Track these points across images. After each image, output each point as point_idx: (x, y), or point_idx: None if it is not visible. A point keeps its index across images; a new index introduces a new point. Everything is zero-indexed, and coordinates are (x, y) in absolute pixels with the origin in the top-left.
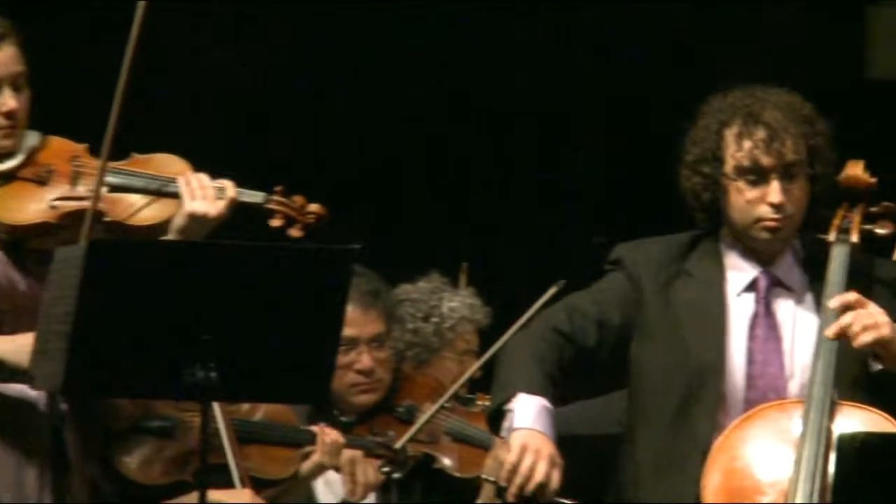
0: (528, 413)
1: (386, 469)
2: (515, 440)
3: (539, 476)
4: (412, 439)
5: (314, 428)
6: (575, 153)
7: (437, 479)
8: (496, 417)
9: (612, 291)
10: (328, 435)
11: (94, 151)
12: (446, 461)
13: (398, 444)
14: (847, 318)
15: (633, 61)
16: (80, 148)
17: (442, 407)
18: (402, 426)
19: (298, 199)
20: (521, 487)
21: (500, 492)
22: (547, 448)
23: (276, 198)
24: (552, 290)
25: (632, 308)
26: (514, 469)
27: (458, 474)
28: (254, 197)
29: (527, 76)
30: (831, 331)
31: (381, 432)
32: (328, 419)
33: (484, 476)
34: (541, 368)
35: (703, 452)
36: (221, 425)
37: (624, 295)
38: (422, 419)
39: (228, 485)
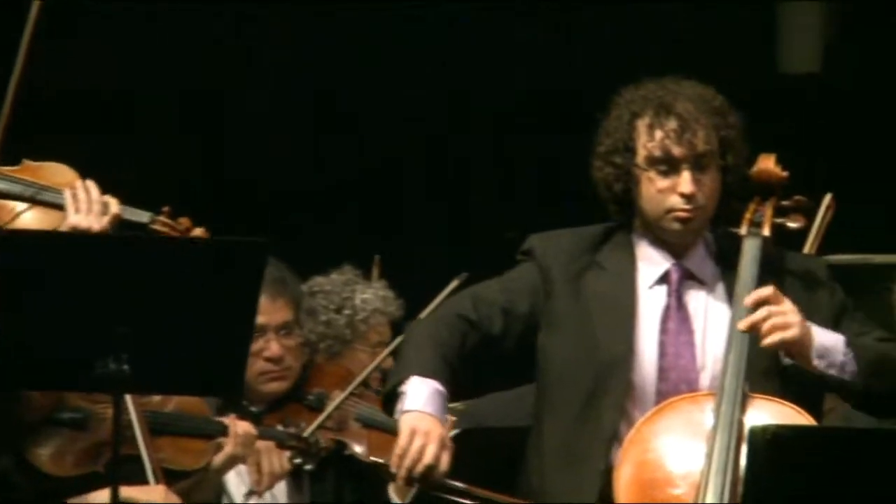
0: (419, 396)
1: (298, 460)
2: (405, 423)
3: (428, 458)
4: (321, 426)
5: (226, 420)
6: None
7: (348, 465)
8: (390, 400)
9: (521, 281)
10: (240, 426)
11: None
12: (357, 447)
13: (307, 432)
14: (761, 314)
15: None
16: None
17: (351, 394)
18: (312, 414)
19: (184, 222)
20: (410, 470)
21: (388, 472)
22: (436, 430)
23: (161, 219)
24: (454, 283)
25: (540, 298)
26: (404, 452)
27: (368, 460)
28: (139, 216)
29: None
30: (744, 324)
31: (293, 422)
32: (238, 410)
33: (372, 459)
34: (438, 352)
35: (609, 443)
36: (134, 417)
37: (533, 284)
38: (330, 406)
39: (141, 476)
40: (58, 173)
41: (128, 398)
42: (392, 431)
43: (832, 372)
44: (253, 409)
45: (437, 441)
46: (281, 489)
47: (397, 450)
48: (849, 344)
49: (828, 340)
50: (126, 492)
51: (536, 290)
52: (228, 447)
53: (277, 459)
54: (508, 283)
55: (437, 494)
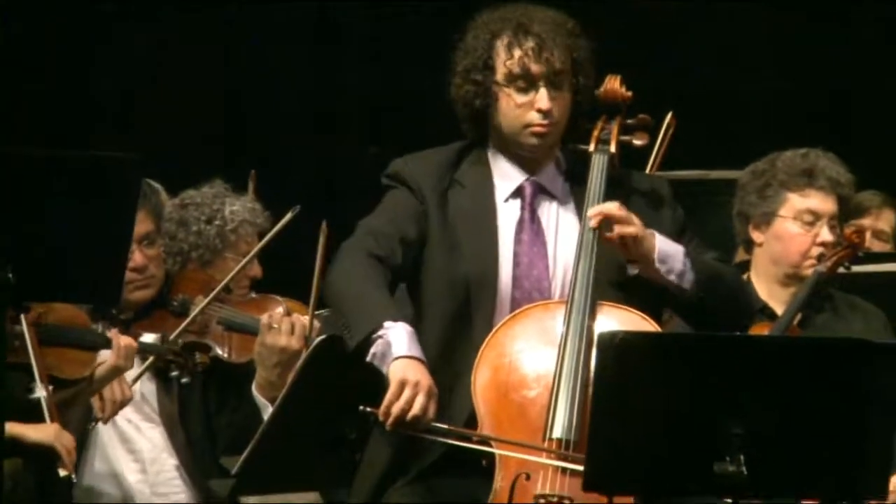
0: (401, 341)
1: (175, 373)
2: (395, 370)
3: (416, 410)
4: (186, 331)
5: (109, 333)
6: None
7: (213, 367)
8: (362, 348)
9: (402, 208)
10: (122, 339)
11: None
12: (220, 350)
13: (172, 336)
14: (609, 207)
15: None
16: None
17: (214, 299)
18: (178, 319)
19: None
20: (399, 419)
21: (376, 421)
22: (425, 379)
23: None
24: (288, 216)
25: (422, 220)
26: (392, 402)
27: (232, 360)
28: None
29: None
30: (591, 216)
31: (160, 328)
32: (107, 317)
33: (265, 346)
34: (385, 293)
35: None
36: (25, 327)
37: (414, 209)
38: (194, 311)
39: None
40: None
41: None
42: (252, 332)
43: (672, 278)
44: (122, 316)
45: (426, 391)
46: (152, 393)
47: (387, 399)
48: (687, 254)
49: (669, 248)
50: (16, 429)
51: (418, 214)
52: (112, 359)
53: (119, 388)
54: (394, 214)
55: (420, 436)
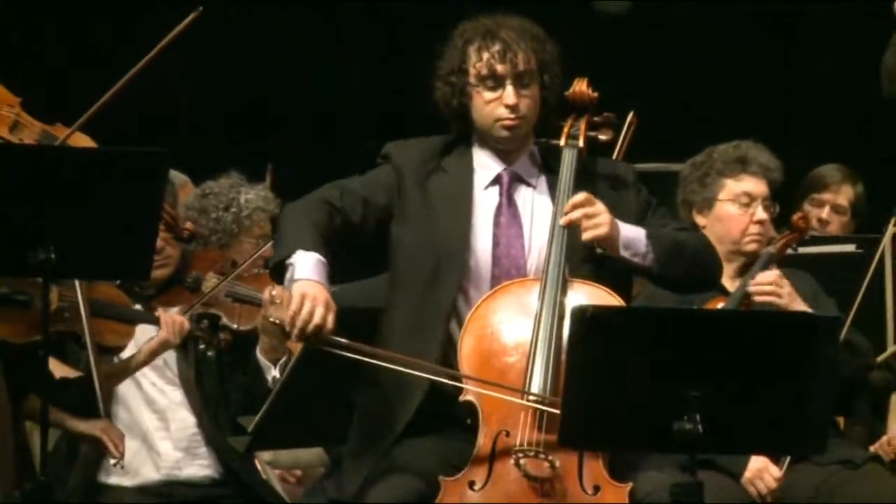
0: (305, 266)
1: (202, 346)
2: (296, 289)
3: (317, 319)
4: (202, 304)
5: (157, 312)
6: None
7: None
8: (278, 271)
9: (379, 178)
10: (173, 317)
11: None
12: (228, 319)
13: (190, 311)
14: (576, 214)
15: None
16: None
17: (226, 277)
18: (191, 294)
19: None
20: (303, 329)
21: (285, 333)
22: (322, 295)
23: None
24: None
25: (395, 193)
26: (296, 314)
27: (240, 328)
28: None
29: None
30: (563, 221)
31: (176, 301)
32: (132, 293)
33: (267, 319)
34: (315, 230)
35: (447, 317)
36: (80, 298)
37: (389, 182)
38: (211, 288)
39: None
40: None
41: (77, 284)
42: (255, 303)
43: (636, 260)
44: (145, 293)
45: (324, 303)
46: (172, 360)
47: (290, 312)
48: (649, 237)
49: (632, 234)
50: (68, 421)
51: (392, 187)
52: (162, 333)
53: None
54: (369, 180)
55: (324, 349)
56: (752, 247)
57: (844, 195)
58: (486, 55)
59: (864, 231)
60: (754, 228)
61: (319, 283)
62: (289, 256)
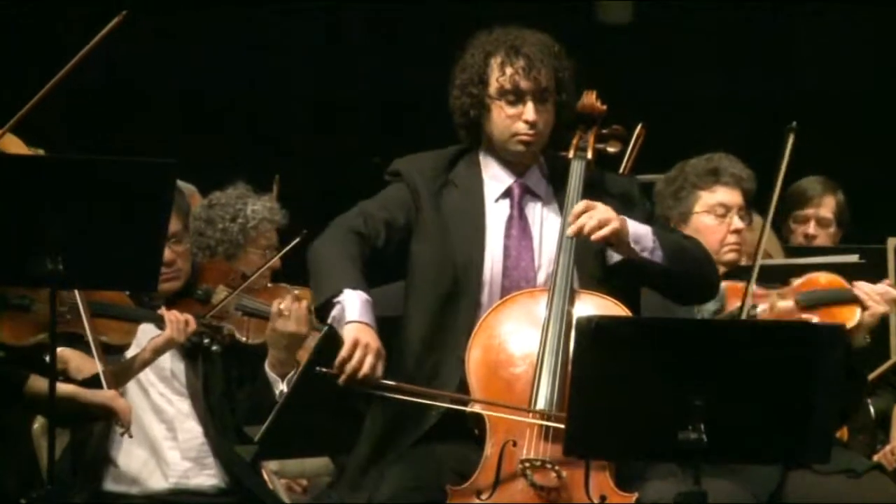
0: (355, 307)
1: (207, 340)
2: (348, 333)
3: (366, 369)
4: (213, 315)
5: (161, 311)
6: None
7: (232, 347)
8: (324, 309)
9: (395, 198)
10: (176, 314)
11: None
12: (237, 331)
13: (203, 320)
14: (583, 220)
15: None
16: None
17: (235, 290)
18: (201, 306)
19: None
20: (351, 377)
21: (333, 379)
22: (374, 342)
23: None
24: (296, 240)
25: (412, 212)
26: (345, 360)
27: (249, 341)
28: None
29: None
30: (570, 230)
31: (187, 313)
32: (142, 304)
33: (276, 331)
34: (355, 265)
35: (467, 335)
36: (79, 300)
37: (405, 201)
38: (220, 300)
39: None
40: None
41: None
42: (265, 317)
43: (646, 255)
44: (154, 304)
45: (375, 353)
46: (180, 371)
47: (341, 357)
48: (655, 233)
49: (640, 229)
50: (75, 390)
51: (408, 204)
52: (167, 331)
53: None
54: (386, 201)
55: (370, 392)
56: (730, 256)
57: (827, 207)
58: (509, 70)
59: (852, 240)
60: (732, 238)
61: (371, 326)
62: (335, 295)
